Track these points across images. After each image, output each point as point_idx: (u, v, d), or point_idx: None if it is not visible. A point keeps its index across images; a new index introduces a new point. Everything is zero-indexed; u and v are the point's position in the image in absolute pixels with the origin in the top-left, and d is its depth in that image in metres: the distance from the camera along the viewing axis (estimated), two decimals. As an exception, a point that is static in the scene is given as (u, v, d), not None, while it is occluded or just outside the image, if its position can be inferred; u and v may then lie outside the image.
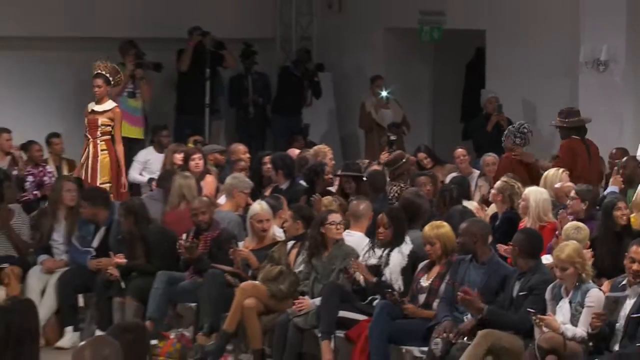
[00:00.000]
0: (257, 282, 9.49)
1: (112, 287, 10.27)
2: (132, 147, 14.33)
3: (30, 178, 13.26)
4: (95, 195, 10.82)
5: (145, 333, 5.63)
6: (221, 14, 16.00)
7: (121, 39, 14.73)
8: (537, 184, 10.40)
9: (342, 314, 8.95)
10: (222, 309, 9.61)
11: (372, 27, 16.36)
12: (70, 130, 14.72)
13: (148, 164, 13.74)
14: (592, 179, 11.08)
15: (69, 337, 10.37)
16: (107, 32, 15.08)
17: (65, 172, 13.59)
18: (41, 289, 10.59)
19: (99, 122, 12.08)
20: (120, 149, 12.17)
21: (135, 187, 13.59)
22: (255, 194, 11.26)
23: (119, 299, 10.21)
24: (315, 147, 12.73)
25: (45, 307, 10.25)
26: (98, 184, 11.86)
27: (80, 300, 10.76)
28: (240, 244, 10.04)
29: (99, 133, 12.08)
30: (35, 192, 13.02)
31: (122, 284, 10.19)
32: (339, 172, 11.54)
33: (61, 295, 10.54)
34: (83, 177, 12.00)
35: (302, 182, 11.61)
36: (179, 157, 12.37)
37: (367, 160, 12.54)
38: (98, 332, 9.61)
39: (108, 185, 11.95)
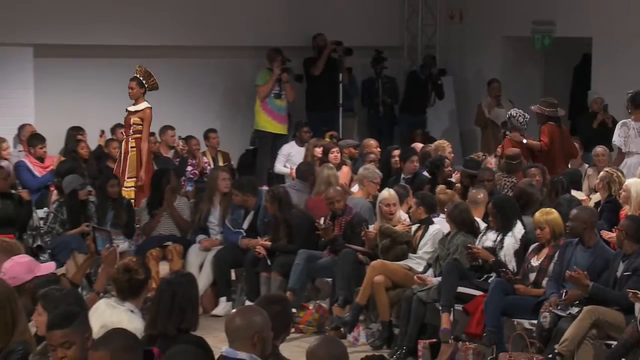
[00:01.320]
0: (385, 260, 9.53)
1: (259, 264, 10.38)
2: (277, 141, 14.47)
3: (189, 168, 13.52)
4: (245, 184, 10.93)
5: (289, 305, 5.70)
6: (355, 24, 16.05)
7: (267, 47, 14.86)
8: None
9: (461, 289, 8.93)
10: (354, 284, 9.66)
11: (489, 35, 16.24)
12: (224, 126, 14.97)
13: (290, 156, 13.82)
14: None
15: (223, 306, 10.51)
16: (255, 42, 15.28)
17: (220, 162, 13.79)
18: (199, 264, 10.75)
19: (131, 121, 11.86)
20: (145, 147, 11.84)
21: (279, 177, 13.74)
22: (384, 183, 11.29)
23: (265, 274, 10.32)
24: (436, 142, 12.66)
25: (203, 280, 10.39)
26: (125, 178, 11.73)
27: (233, 275, 10.91)
28: (371, 227, 10.08)
29: (131, 131, 11.86)
30: (192, 179, 13.29)
31: (268, 261, 10.29)
32: (459, 168, 11.47)
33: (216, 270, 10.69)
34: (115, 171, 11.92)
35: (425, 173, 11.60)
36: (318, 151, 12.46)
37: (482, 154, 12.44)
38: (247, 303, 9.76)
39: (134, 179, 11.76)
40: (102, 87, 14.34)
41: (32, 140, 12.68)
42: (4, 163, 11.05)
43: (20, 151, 13.12)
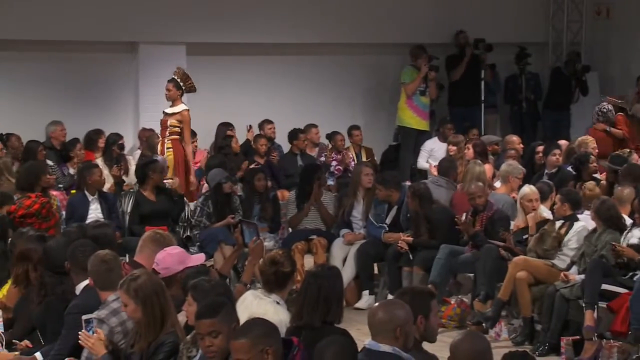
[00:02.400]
0: (527, 257, 9.39)
1: (401, 258, 10.36)
2: (420, 137, 14.41)
3: (334, 163, 13.59)
4: (389, 179, 10.92)
5: (429, 296, 5.65)
6: (500, 21, 15.86)
7: (411, 44, 14.80)
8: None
9: (605, 286, 8.73)
10: (496, 279, 9.55)
11: (636, 31, 15.82)
12: (368, 122, 14.99)
13: (433, 152, 13.76)
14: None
15: (366, 299, 10.52)
16: (399, 39, 15.24)
17: (363, 158, 13.83)
18: (343, 258, 10.79)
19: (168, 123, 11.53)
20: (189, 150, 11.58)
21: (422, 173, 13.68)
22: (528, 180, 11.11)
23: (407, 268, 10.29)
24: (579, 139, 12.42)
25: (346, 274, 10.37)
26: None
27: (375, 268, 10.93)
28: (512, 223, 9.95)
29: (167, 133, 11.54)
30: (336, 174, 13.36)
31: (410, 256, 10.27)
32: (605, 164, 11.22)
33: (359, 264, 10.71)
34: None
35: (570, 169, 11.38)
36: (452, 149, 12.44)
37: (627, 150, 12.13)
38: (390, 296, 9.76)
39: (170, 181, 11.32)
40: (250, 84, 14.55)
41: (183, 135, 12.94)
42: (159, 158, 11.32)
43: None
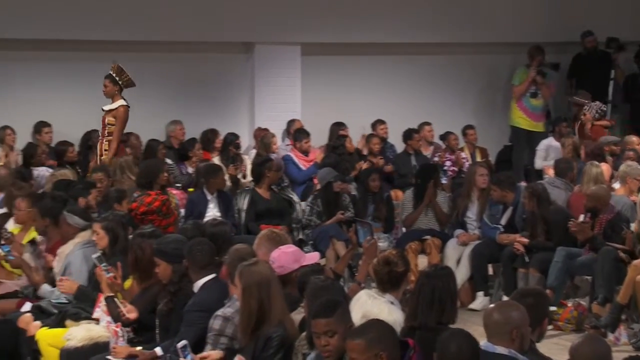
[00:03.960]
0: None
1: (517, 259, 10.24)
2: (534, 137, 14.23)
3: (448, 163, 13.51)
4: (504, 179, 10.80)
5: (544, 298, 5.58)
6: (618, 19, 15.54)
7: (526, 44, 14.62)
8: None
9: None
10: (615, 282, 9.36)
11: None
12: (482, 122, 14.86)
13: (549, 151, 13.57)
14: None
15: (480, 300, 10.42)
16: (514, 38, 15.07)
17: (478, 158, 13.71)
18: (457, 259, 10.69)
19: (106, 121, 11.03)
20: (113, 146, 10.94)
21: (538, 173, 13.50)
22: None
23: (522, 270, 10.17)
24: None
25: (460, 274, 10.31)
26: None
27: (490, 269, 10.83)
28: (632, 225, 9.74)
29: (105, 132, 11.03)
30: (450, 175, 13.27)
31: (526, 258, 10.13)
32: None
33: (474, 265, 10.61)
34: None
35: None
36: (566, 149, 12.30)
37: None
38: (504, 298, 9.65)
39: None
40: (364, 84, 14.58)
41: (297, 134, 13.06)
42: (274, 156, 11.42)
43: (287, 145, 13.52)
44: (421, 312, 5.87)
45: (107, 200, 9.47)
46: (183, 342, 6.07)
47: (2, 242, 8.36)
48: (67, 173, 11.10)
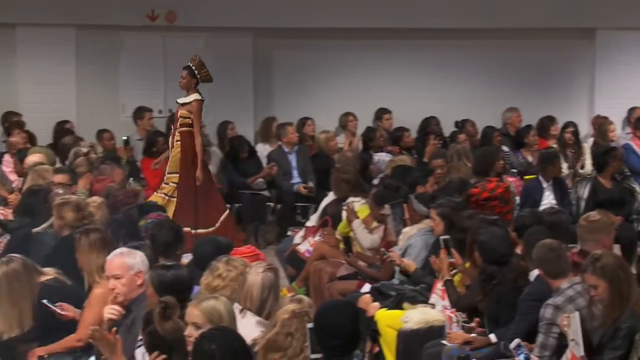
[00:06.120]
0: None
1: None
2: None
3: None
4: None
5: None
6: None
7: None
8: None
9: None
10: None
11: None
12: None
13: None
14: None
15: None
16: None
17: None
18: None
19: (179, 114, 10.30)
20: (198, 142, 10.18)
21: None
22: None
23: None
24: None
25: None
26: (166, 174, 10.25)
27: None
28: None
29: (178, 125, 10.27)
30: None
31: None
32: None
33: None
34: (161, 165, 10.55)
35: None
36: None
37: None
38: None
39: (175, 175, 10.20)
40: None
41: (639, 123, 12.52)
42: (612, 144, 11.05)
43: (627, 133, 13.04)
44: None
45: (448, 189, 9.51)
46: (516, 342, 6.03)
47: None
48: (406, 159, 11.31)
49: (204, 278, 6.06)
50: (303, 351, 4.99)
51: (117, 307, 5.92)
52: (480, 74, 13.87)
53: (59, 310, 6.36)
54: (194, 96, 10.29)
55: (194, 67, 10.28)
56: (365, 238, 8.94)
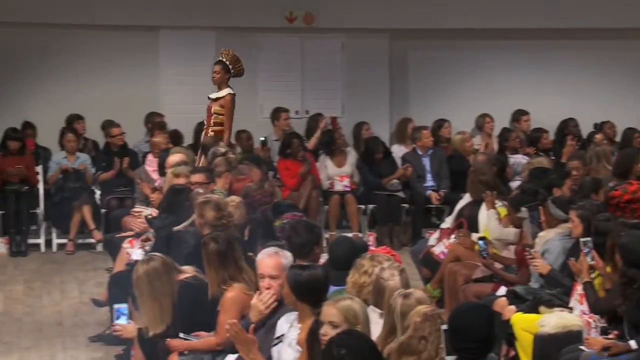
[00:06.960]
0: None
1: None
2: None
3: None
4: None
5: None
6: None
7: None
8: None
9: None
10: None
11: None
12: None
13: None
14: None
15: None
16: None
17: None
18: None
19: (212, 109, 9.96)
20: (226, 137, 9.90)
21: None
22: None
23: None
24: None
25: None
26: None
27: None
28: None
29: (212, 122, 9.96)
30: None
31: None
32: None
33: None
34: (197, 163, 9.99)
35: None
36: None
37: None
38: None
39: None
40: None
41: None
42: None
43: None
44: None
45: (582, 189, 9.36)
46: None
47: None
48: (543, 161, 11.14)
49: (350, 277, 6.05)
50: (438, 354, 4.96)
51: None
52: (621, 75, 13.60)
53: (195, 340, 6.47)
54: (227, 90, 10.03)
55: (227, 62, 10.01)
56: (495, 228, 8.89)
